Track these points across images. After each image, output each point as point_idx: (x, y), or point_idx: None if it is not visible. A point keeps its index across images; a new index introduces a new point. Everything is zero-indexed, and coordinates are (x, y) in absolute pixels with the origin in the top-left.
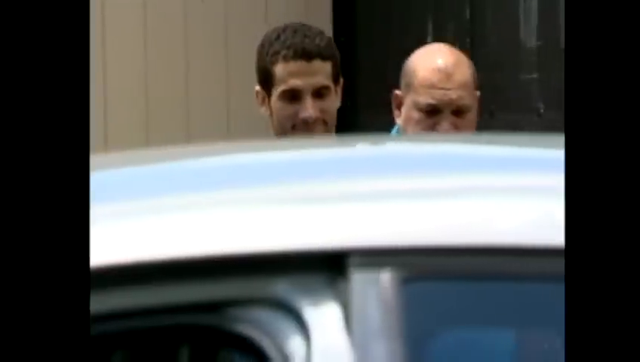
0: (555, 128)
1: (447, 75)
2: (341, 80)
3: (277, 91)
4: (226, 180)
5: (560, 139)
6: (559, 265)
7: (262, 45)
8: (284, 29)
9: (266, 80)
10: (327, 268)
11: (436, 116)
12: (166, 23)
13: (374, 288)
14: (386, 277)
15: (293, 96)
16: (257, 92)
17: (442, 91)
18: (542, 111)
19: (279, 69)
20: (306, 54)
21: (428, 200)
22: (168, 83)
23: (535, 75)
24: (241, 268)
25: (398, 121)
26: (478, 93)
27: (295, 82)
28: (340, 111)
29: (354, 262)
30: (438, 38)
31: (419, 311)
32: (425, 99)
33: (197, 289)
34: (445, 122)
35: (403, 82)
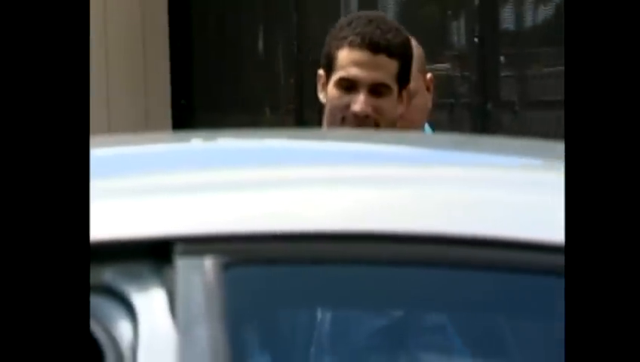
0: None
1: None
2: (409, 86)
3: (335, 77)
4: None
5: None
6: (371, 249)
7: (333, 28)
8: (360, 16)
9: (329, 64)
10: (154, 255)
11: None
12: None
13: (198, 274)
14: (208, 264)
15: (349, 85)
16: (320, 76)
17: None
18: None
19: (342, 54)
20: (372, 45)
21: (248, 190)
22: None
23: None
24: None
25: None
26: (429, 75)
27: (354, 71)
28: (176, 110)
29: (178, 249)
30: (268, 41)
31: (240, 296)
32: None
33: None
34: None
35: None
